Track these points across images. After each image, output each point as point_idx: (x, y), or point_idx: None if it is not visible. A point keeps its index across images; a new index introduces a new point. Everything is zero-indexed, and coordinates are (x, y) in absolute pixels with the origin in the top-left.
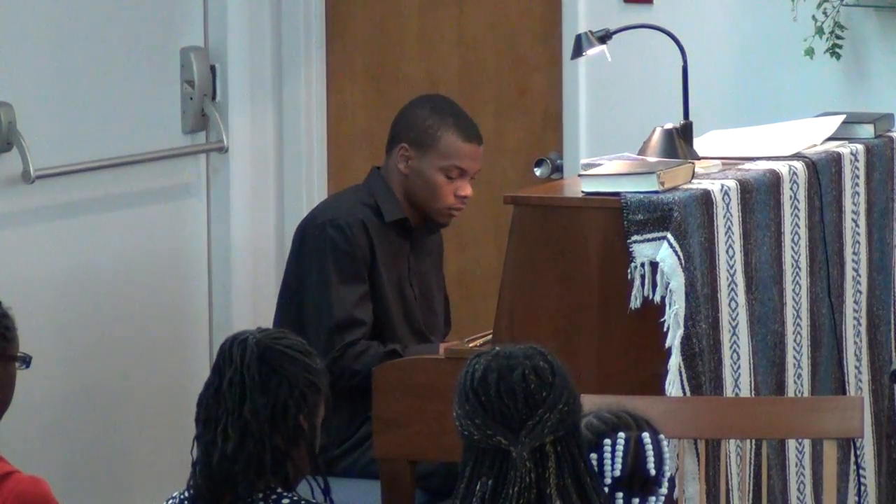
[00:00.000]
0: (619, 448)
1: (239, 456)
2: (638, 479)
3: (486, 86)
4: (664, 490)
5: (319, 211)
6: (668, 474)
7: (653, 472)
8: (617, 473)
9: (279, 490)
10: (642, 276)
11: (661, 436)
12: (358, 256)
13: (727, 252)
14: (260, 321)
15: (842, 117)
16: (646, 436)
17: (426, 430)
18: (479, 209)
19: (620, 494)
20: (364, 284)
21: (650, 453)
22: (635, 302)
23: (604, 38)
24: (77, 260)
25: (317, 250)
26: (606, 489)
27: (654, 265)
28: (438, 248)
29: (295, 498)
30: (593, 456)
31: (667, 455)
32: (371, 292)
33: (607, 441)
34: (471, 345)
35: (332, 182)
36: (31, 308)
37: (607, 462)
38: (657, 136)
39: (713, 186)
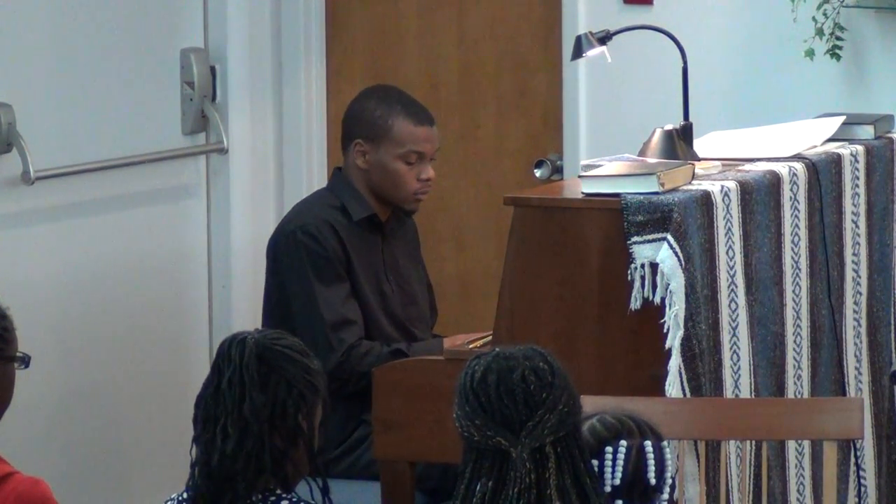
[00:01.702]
0: (620, 456)
1: (238, 455)
2: (638, 487)
3: (486, 86)
4: (665, 496)
5: (287, 220)
6: (669, 481)
7: (653, 481)
8: (616, 482)
9: (278, 491)
10: (642, 278)
11: (665, 442)
12: (332, 258)
13: (727, 253)
14: (260, 322)
15: (842, 118)
16: (648, 444)
17: (426, 431)
18: (479, 210)
19: (619, 502)
20: (345, 283)
21: (651, 463)
22: (635, 303)
23: (604, 39)
24: (77, 260)
25: (292, 259)
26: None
27: (654, 266)
28: (413, 239)
29: (294, 499)
30: (594, 462)
31: (669, 463)
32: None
33: (609, 448)
34: (471, 346)
35: None
36: (31, 308)
37: (608, 469)
38: (657, 137)
39: (713, 187)
